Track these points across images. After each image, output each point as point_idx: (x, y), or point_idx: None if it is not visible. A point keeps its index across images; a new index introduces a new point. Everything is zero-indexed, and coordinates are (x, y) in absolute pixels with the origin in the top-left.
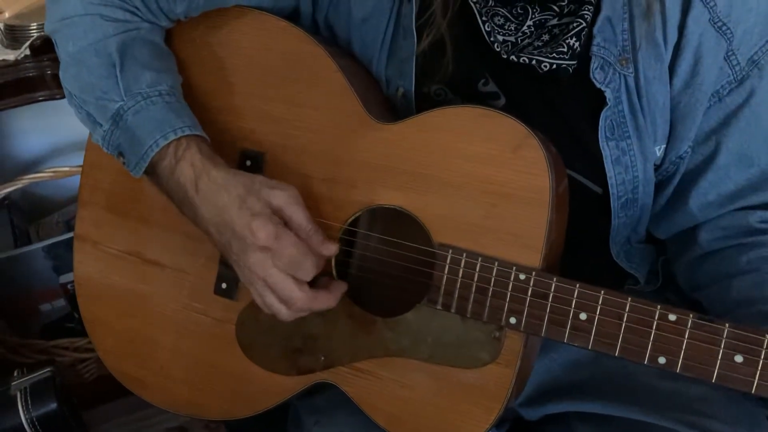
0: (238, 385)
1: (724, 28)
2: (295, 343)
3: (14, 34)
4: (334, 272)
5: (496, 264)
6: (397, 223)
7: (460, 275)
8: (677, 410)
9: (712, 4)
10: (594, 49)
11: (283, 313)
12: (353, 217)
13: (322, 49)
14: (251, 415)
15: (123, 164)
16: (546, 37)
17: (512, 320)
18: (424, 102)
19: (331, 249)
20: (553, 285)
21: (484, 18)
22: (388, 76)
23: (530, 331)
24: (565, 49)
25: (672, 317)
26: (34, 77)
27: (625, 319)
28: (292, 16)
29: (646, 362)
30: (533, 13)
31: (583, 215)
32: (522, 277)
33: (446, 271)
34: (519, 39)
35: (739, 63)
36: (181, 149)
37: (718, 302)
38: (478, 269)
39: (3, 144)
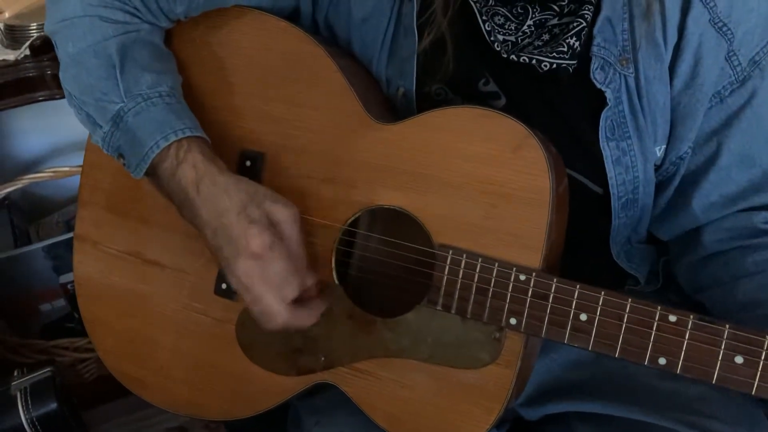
0: (238, 385)
1: (724, 28)
2: (295, 343)
3: (14, 34)
4: (334, 273)
5: (497, 265)
6: (397, 223)
7: (461, 276)
8: (677, 410)
9: (711, 4)
10: (594, 49)
11: (265, 325)
12: (353, 218)
13: (322, 49)
14: (251, 415)
15: (123, 165)
16: (546, 37)
17: (512, 321)
18: (425, 102)
19: (313, 278)
20: (554, 286)
21: (484, 17)
22: (388, 75)
23: (530, 332)
24: (565, 49)
25: (672, 318)
26: (34, 77)
27: (625, 320)
28: (292, 16)
29: (646, 363)
30: (533, 12)
31: (584, 215)
32: (522, 277)
33: (446, 272)
34: (519, 38)
35: (740, 63)
36: (183, 151)
37: (722, 304)
38: (478, 270)
39: (3, 144)
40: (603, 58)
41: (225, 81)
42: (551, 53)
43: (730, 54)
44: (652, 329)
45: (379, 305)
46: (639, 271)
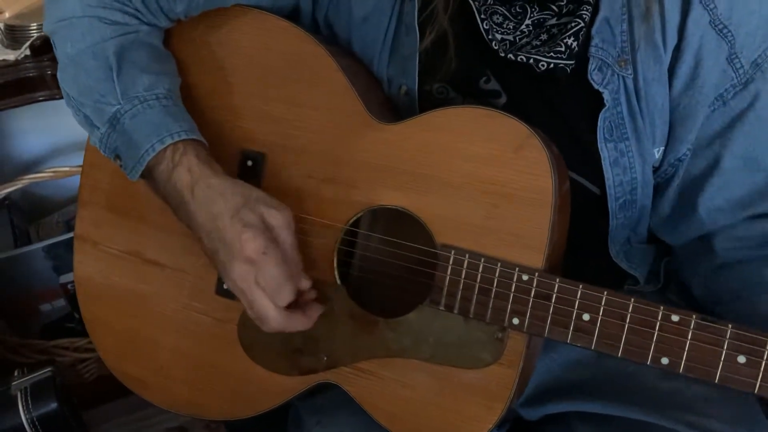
0: (238, 385)
1: (725, 30)
2: (297, 343)
3: (14, 34)
4: (336, 273)
5: (499, 265)
6: (399, 223)
7: (463, 276)
8: (677, 410)
9: (712, 6)
10: (592, 50)
11: (261, 327)
12: (355, 218)
13: (322, 48)
14: (252, 415)
15: (120, 167)
16: (544, 37)
17: (515, 321)
18: (426, 100)
19: (308, 283)
20: (556, 286)
21: (482, 16)
22: (389, 74)
23: (533, 332)
24: (563, 49)
25: (675, 318)
26: (34, 77)
27: (628, 320)
28: (292, 15)
29: (648, 363)
30: (532, 12)
31: (582, 215)
32: (525, 277)
33: (449, 272)
34: (517, 38)
35: (742, 66)
36: (178, 154)
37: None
38: (480, 270)
39: (3, 144)
40: (601, 59)
41: (225, 80)
42: (549, 53)
43: (731, 56)
44: (654, 329)
45: (381, 305)
46: (638, 271)
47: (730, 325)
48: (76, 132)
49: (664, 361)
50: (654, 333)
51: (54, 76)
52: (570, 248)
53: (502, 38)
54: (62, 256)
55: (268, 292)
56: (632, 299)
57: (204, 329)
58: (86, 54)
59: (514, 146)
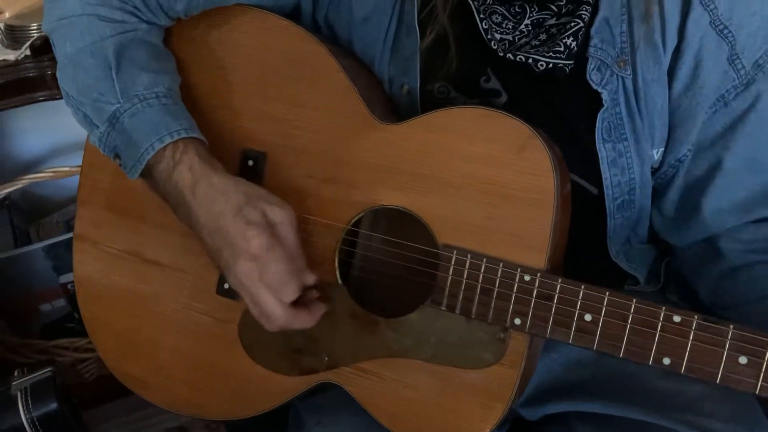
0: (239, 385)
1: (725, 31)
2: (297, 343)
3: (14, 34)
4: (337, 273)
5: (501, 265)
6: (400, 223)
7: (465, 276)
8: (677, 410)
9: (712, 6)
10: (591, 50)
11: (265, 326)
12: (356, 218)
13: (323, 48)
14: (252, 415)
15: (119, 166)
16: (543, 37)
17: (517, 321)
18: (428, 100)
19: (310, 279)
20: (558, 286)
21: (482, 15)
22: (391, 74)
23: (535, 332)
24: (562, 49)
25: (677, 318)
26: (35, 77)
27: (629, 321)
28: (293, 15)
29: (650, 363)
30: (531, 12)
31: (581, 215)
32: (527, 278)
33: (450, 272)
34: (516, 37)
35: (744, 67)
36: (179, 152)
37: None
38: (482, 270)
39: (3, 144)
40: (600, 59)
41: (226, 80)
42: (548, 53)
43: (732, 57)
44: (656, 329)
45: (382, 305)
46: (638, 271)
47: (731, 326)
48: (76, 132)
49: (666, 361)
50: (656, 333)
51: (54, 76)
52: (569, 248)
53: (501, 38)
54: (62, 256)
55: (274, 288)
56: (634, 300)
57: (204, 329)
58: (85, 52)
59: (515, 147)
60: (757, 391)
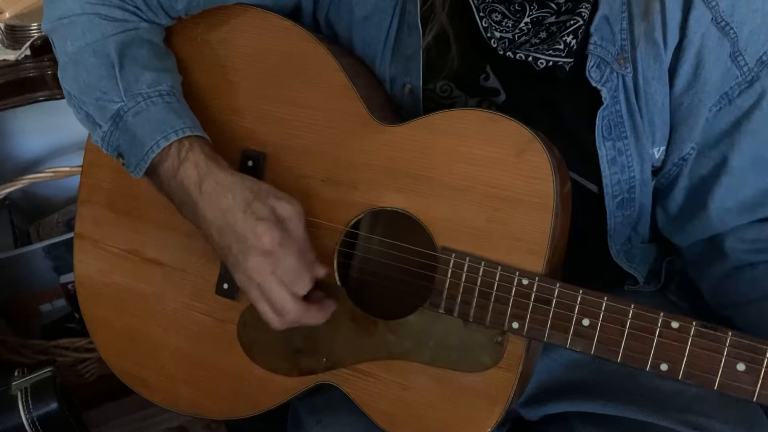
0: (238, 385)
1: (727, 28)
2: (297, 344)
3: (15, 34)
4: (336, 275)
5: (499, 269)
6: (400, 225)
7: (463, 279)
8: (677, 410)
9: (713, 3)
10: (591, 47)
11: (275, 321)
12: (355, 219)
13: (324, 48)
14: (252, 415)
15: (122, 165)
16: (543, 35)
17: (515, 325)
18: (430, 99)
19: (321, 271)
20: (556, 290)
21: (481, 14)
22: (392, 73)
23: (533, 336)
24: (562, 47)
25: (675, 324)
26: (35, 77)
27: (627, 326)
28: (293, 14)
29: (648, 369)
30: (531, 10)
31: (581, 214)
32: (525, 282)
33: (449, 275)
34: (516, 36)
35: (747, 64)
36: (184, 150)
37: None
38: (481, 273)
39: (3, 144)
40: (599, 57)
41: (226, 80)
42: (548, 51)
43: (735, 54)
44: (654, 335)
45: (381, 307)
46: (638, 271)
47: (729, 333)
48: (77, 132)
49: (664, 367)
50: (654, 339)
51: (54, 76)
52: (570, 247)
53: (501, 36)
54: (62, 256)
55: (287, 282)
56: (632, 305)
57: (204, 329)
58: (87, 51)
59: (516, 150)
60: (754, 399)
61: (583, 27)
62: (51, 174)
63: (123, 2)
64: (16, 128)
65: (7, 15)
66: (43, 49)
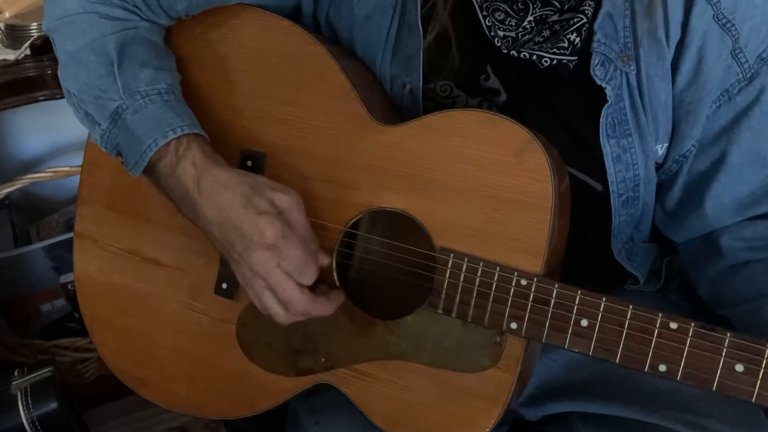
0: (237, 385)
1: (728, 25)
2: (295, 344)
3: (15, 34)
4: (335, 275)
5: (498, 269)
6: (399, 226)
7: (462, 280)
8: (677, 410)
9: (715, 0)
10: (595, 45)
11: (281, 315)
12: (354, 220)
13: (323, 48)
14: (251, 414)
15: (122, 163)
16: (546, 33)
17: (513, 325)
18: (430, 98)
19: (325, 260)
20: (555, 291)
21: (484, 13)
22: (393, 73)
23: (531, 336)
24: (566, 45)
25: (673, 325)
26: (35, 77)
27: (626, 327)
28: (294, 15)
29: (646, 370)
30: (534, 8)
31: (584, 212)
32: (523, 282)
33: (447, 276)
34: (519, 34)
35: (747, 61)
36: (182, 148)
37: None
38: (479, 274)
39: (3, 144)
40: (604, 54)
41: (226, 80)
42: (551, 49)
43: (736, 51)
44: (653, 336)
45: (380, 307)
46: (639, 270)
47: (728, 333)
48: (76, 132)
49: (662, 368)
50: (652, 340)
51: (54, 75)
52: (572, 246)
53: (504, 35)
54: (62, 256)
55: (293, 273)
56: (631, 306)
57: (203, 329)
58: (86, 50)
59: (515, 151)
60: (753, 399)
61: (586, 25)
62: (51, 174)
63: (123, 1)
64: (16, 128)
65: (7, 15)
66: (43, 48)
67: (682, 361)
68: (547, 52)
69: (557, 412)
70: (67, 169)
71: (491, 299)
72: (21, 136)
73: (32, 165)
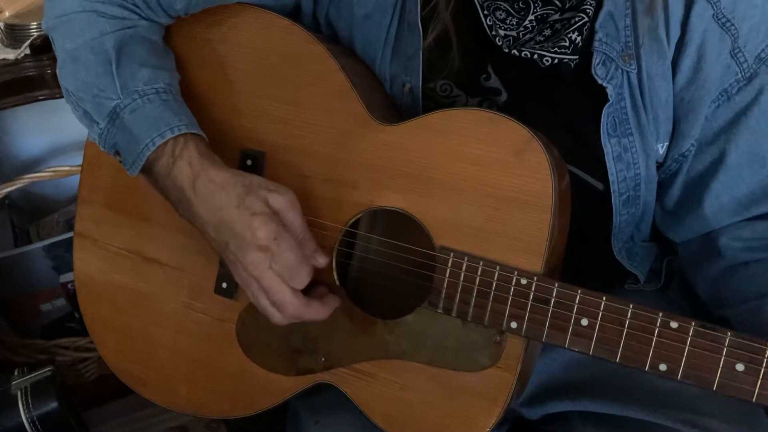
0: (237, 384)
1: (728, 24)
2: (295, 343)
3: (14, 34)
4: (335, 274)
5: (498, 268)
6: (399, 225)
7: (462, 279)
8: (678, 409)
9: (715, 0)
10: (596, 44)
11: (276, 317)
12: (354, 219)
13: (323, 48)
14: (251, 414)
15: (120, 163)
16: (548, 32)
17: (513, 325)
18: (429, 98)
19: (323, 260)
20: (555, 290)
21: (485, 12)
22: (392, 73)
23: (531, 335)
24: (567, 44)
25: (674, 325)
26: (35, 76)
27: (626, 326)
28: (293, 14)
29: (647, 369)
30: (535, 7)
31: (585, 211)
32: (523, 281)
33: (447, 275)
34: (520, 33)
35: (746, 60)
36: (179, 148)
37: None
38: (479, 273)
39: (3, 144)
40: (605, 54)
41: (226, 79)
42: (553, 48)
43: (735, 50)
44: (653, 335)
45: (380, 307)
46: (639, 270)
47: (728, 333)
48: (76, 131)
49: (662, 367)
50: (652, 339)
51: (54, 75)
52: (572, 245)
53: (505, 34)
54: (62, 256)
55: (285, 276)
56: (631, 305)
57: (203, 328)
58: (85, 49)
59: (515, 150)
60: (754, 399)
61: (588, 24)
62: (51, 173)
63: (122, 0)
64: (16, 127)
65: (7, 14)
66: (42, 48)
67: (682, 360)
68: (549, 52)
69: (557, 412)
70: (67, 168)
71: (491, 298)
72: (21, 135)
73: (32, 164)
